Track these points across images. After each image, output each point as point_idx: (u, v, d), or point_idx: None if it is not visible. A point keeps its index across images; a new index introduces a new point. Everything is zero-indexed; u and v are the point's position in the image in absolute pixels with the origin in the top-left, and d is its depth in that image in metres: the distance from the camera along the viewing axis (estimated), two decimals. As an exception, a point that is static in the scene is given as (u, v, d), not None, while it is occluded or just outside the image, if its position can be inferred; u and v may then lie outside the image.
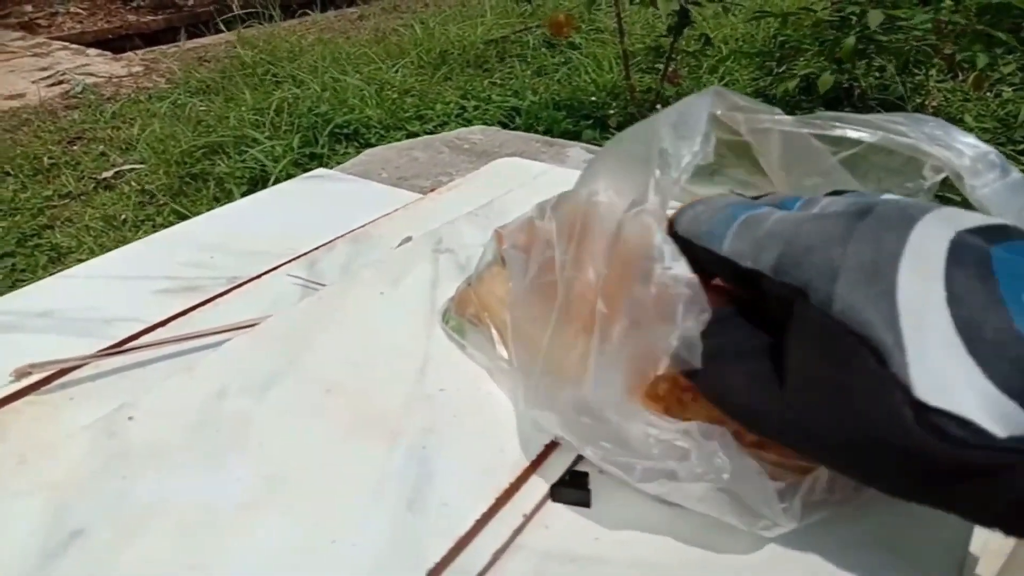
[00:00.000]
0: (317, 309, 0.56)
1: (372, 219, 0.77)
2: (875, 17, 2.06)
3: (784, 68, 2.47)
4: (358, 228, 0.73)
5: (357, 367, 0.51)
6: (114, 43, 3.56)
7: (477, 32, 3.09)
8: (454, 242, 0.63)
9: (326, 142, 2.74)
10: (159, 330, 0.61)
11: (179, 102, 2.99)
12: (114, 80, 3.14)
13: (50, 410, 0.53)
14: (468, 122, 2.71)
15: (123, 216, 2.55)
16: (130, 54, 3.37)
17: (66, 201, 2.75)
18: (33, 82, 3.08)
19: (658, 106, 2.41)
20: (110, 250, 2.55)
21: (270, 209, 0.82)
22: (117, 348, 0.57)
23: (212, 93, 2.98)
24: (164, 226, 2.40)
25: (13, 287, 2.10)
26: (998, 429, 0.23)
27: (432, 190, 0.83)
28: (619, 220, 0.34)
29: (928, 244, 0.26)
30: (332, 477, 0.43)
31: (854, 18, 2.24)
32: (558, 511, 0.43)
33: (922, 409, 0.25)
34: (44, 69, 3.20)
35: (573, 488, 0.44)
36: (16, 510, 0.42)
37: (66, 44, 3.42)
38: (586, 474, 0.45)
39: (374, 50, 3.00)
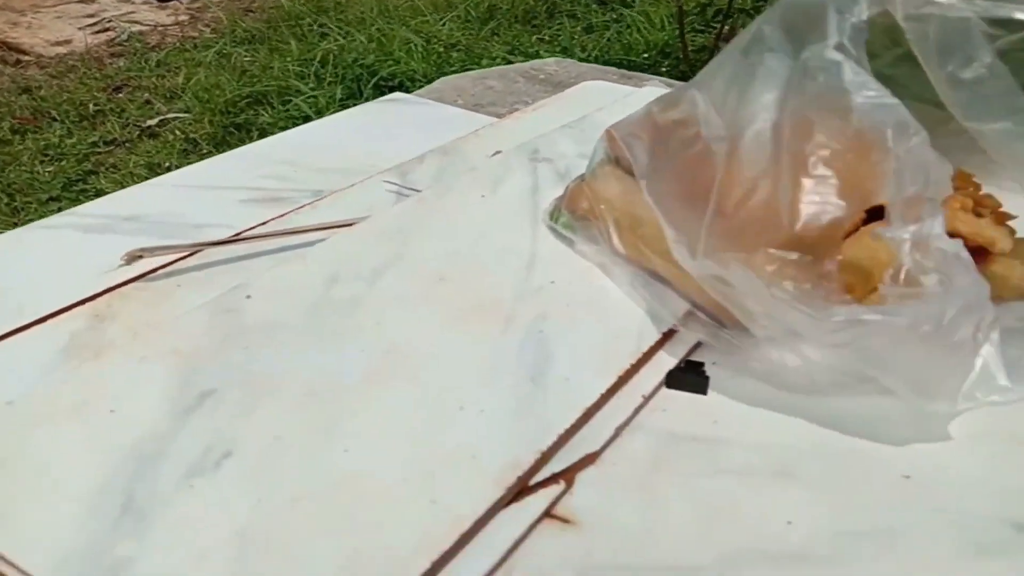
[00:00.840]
0: (419, 209, 0.56)
1: (452, 139, 0.77)
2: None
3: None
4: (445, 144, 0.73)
5: (465, 260, 0.51)
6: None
7: (529, -14, 3.06)
8: (551, 152, 0.63)
9: (370, 94, 2.73)
10: (258, 228, 0.61)
11: (224, 51, 2.99)
12: (159, 28, 3.15)
13: (158, 296, 0.54)
14: (513, 79, 2.68)
15: (167, 164, 2.57)
16: (176, 3, 3.37)
17: (111, 148, 2.77)
18: (79, 29, 3.10)
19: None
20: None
21: (347, 129, 0.82)
22: (222, 239, 0.57)
23: (257, 43, 2.98)
24: (208, 175, 2.41)
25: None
26: None
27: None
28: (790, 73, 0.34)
29: None
30: (451, 353, 0.44)
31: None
32: (675, 396, 0.43)
33: None
34: (90, 16, 3.21)
35: (689, 375, 0.44)
36: (143, 373, 0.43)
37: (112, -8, 3.43)
38: (702, 363, 0.45)
39: (422, 2, 2.98)
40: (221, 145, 2.71)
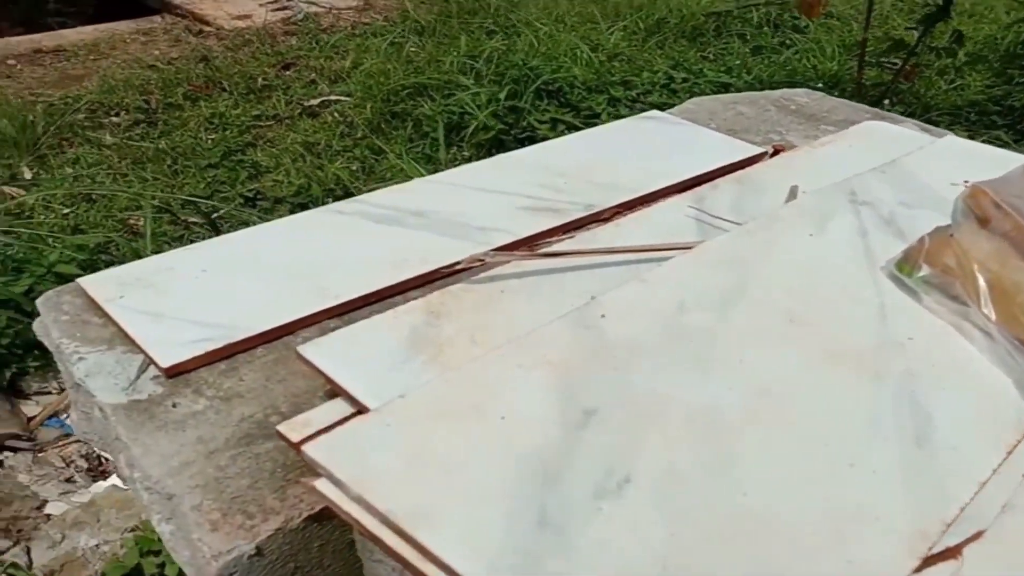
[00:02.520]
0: (748, 242, 0.56)
1: (718, 165, 0.76)
2: None
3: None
4: (715, 174, 0.72)
5: (811, 300, 0.51)
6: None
7: (699, 2, 3.02)
8: (869, 196, 0.62)
9: (529, 97, 2.75)
10: (567, 241, 0.62)
11: (395, 40, 3.08)
12: (334, 12, 3.27)
13: (486, 298, 0.56)
14: (673, 92, 2.66)
15: (322, 144, 2.66)
16: (352, -12, 3.50)
17: (272, 123, 2.89)
18: (260, 5, 3.25)
19: (885, 101, 2.28)
20: (306, 174, 2.63)
21: (610, 144, 0.83)
22: (550, 250, 0.59)
23: (427, 35, 3.05)
24: (359, 159, 2.48)
25: (211, 197, 2.22)
26: None
27: (775, 146, 0.81)
28: None
29: None
30: (822, 402, 0.43)
31: None
32: (1051, 476, 0.42)
33: None
34: (272, -7, 3.37)
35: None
36: (524, 381, 0.44)
37: (294, -28, 3.59)
38: (1080, 446, 0.43)
39: (592, 8, 2.99)
40: (377, 131, 2.79)
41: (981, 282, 0.47)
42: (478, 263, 0.56)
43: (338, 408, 0.48)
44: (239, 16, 3.17)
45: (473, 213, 0.71)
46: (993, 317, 0.46)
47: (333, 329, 0.54)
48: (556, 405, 0.42)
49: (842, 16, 2.80)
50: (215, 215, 2.15)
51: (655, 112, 0.90)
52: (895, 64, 2.29)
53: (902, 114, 2.30)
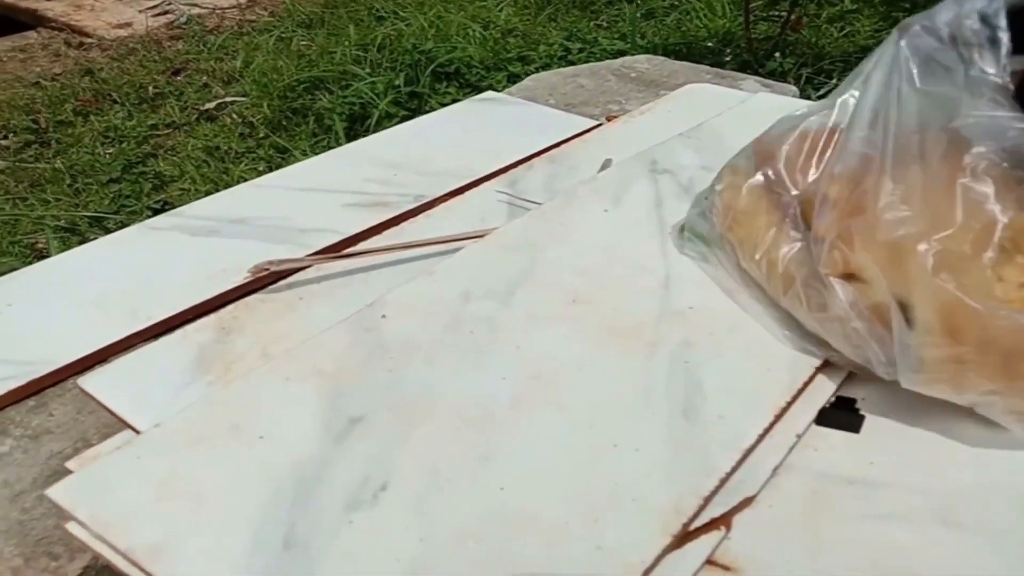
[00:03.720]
0: (542, 223, 0.55)
1: (551, 142, 0.75)
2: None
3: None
4: (546, 150, 0.71)
5: (597, 278, 0.50)
6: (219, -26, 3.60)
7: (589, -29, 3.02)
8: (670, 163, 0.61)
9: (427, 81, 2.72)
10: (375, 238, 0.61)
11: (283, 36, 3.01)
12: (218, 11, 3.17)
13: (282, 307, 0.54)
14: (571, 63, 2.65)
15: (225, 147, 2.59)
16: (234, -15, 3.39)
17: (169, 131, 2.80)
18: (140, 11, 3.12)
19: (776, 54, 2.31)
20: (212, 179, 2.57)
21: (443, 130, 0.82)
22: (348, 251, 0.57)
23: (316, 27, 2.98)
24: (265, 159, 2.42)
25: (118, 212, 2.15)
26: None
27: (608, 116, 0.81)
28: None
29: None
30: (596, 381, 0.43)
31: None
32: (826, 434, 0.42)
33: None
34: (150, -1, 3.24)
35: (843, 412, 0.43)
36: (291, 394, 0.43)
37: (170, -26, 3.46)
38: (854, 400, 0.44)
39: (479, -13, 2.96)
40: (278, 130, 2.73)
41: (738, 239, 0.47)
42: (263, 272, 0.54)
43: (124, 438, 0.46)
44: (119, 24, 3.04)
45: (297, 215, 0.69)
46: (753, 273, 0.46)
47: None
48: (321, 417, 0.41)
49: (727, -27, 2.82)
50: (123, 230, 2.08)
51: (490, 93, 0.89)
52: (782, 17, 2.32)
53: (794, 65, 2.34)
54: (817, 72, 2.29)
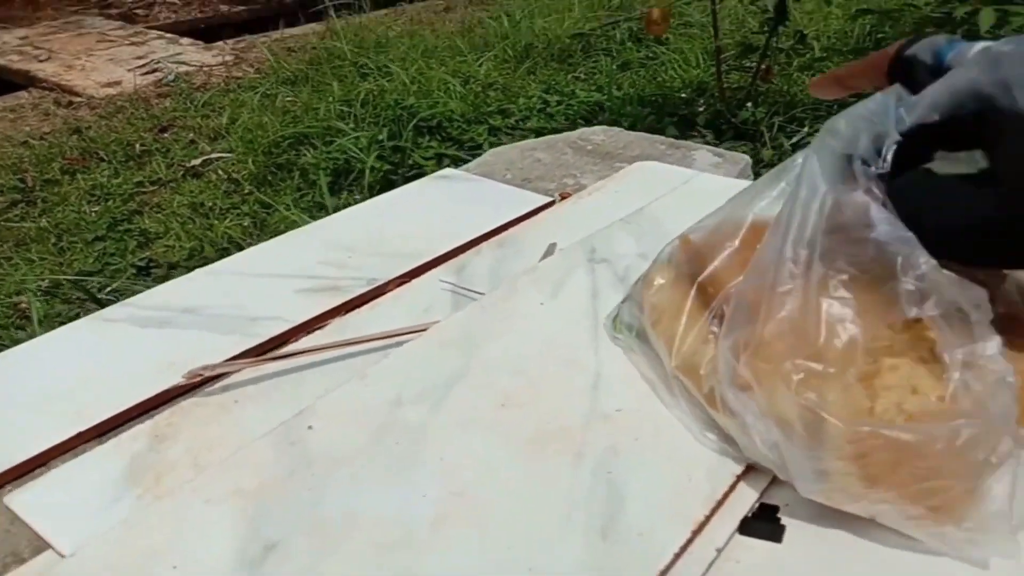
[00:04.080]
0: (480, 319, 0.55)
1: (505, 221, 0.76)
2: (987, 17, 1.95)
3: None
4: (497, 232, 0.72)
5: (529, 379, 0.50)
6: (207, 33, 3.65)
7: (563, 25, 3.06)
8: (608, 251, 0.62)
9: (410, 136, 2.76)
10: (316, 332, 0.61)
11: (268, 92, 3.05)
12: (205, 69, 3.21)
13: (217, 412, 0.54)
14: (551, 116, 2.69)
15: (210, 204, 2.61)
16: (221, 43, 3.44)
17: (155, 188, 2.82)
18: (129, 70, 3.17)
19: (748, 104, 2.34)
20: (196, 236, 2.57)
21: (400, 209, 0.82)
22: (280, 351, 0.57)
23: (300, 83, 3.03)
24: (249, 215, 2.45)
25: (102, 271, 2.17)
26: None
27: (562, 193, 0.82)
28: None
29: None
30: (520, 496, 0.43)
31: (962, 16, 2.14)
32: (749, 545, 0.42)
33: None
34: (140, 58, 3.29)
35: (764, 522, 0.42)
36: (208, 518, 0.42)
37: (161, 34, 3.52)
38: (776, 508, 0.43)
39: (460, 42, 3.01)
40: (263, 185, 2.75)
41: (663, 337, 0.47)
42: (197, 378, 0.54)
43: (48, 560, 0.45)
44: (108, 83, 3.09)
45: (248, 303, 0.69)
46: (677, 372, 0.46)
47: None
48: (237, 543, 0.41)
49: (701, 24, 2.88)
50: (108, 288, 2.09)
51: (448, 170, 0.89)
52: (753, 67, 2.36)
53: (766, 114, 2.37)
54: (789, 120, 2.32)
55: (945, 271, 0.37)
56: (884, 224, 0.37)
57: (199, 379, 0.54)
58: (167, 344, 0.64)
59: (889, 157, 0.38)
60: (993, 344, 0.37)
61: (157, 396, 0.57)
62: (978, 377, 0.37)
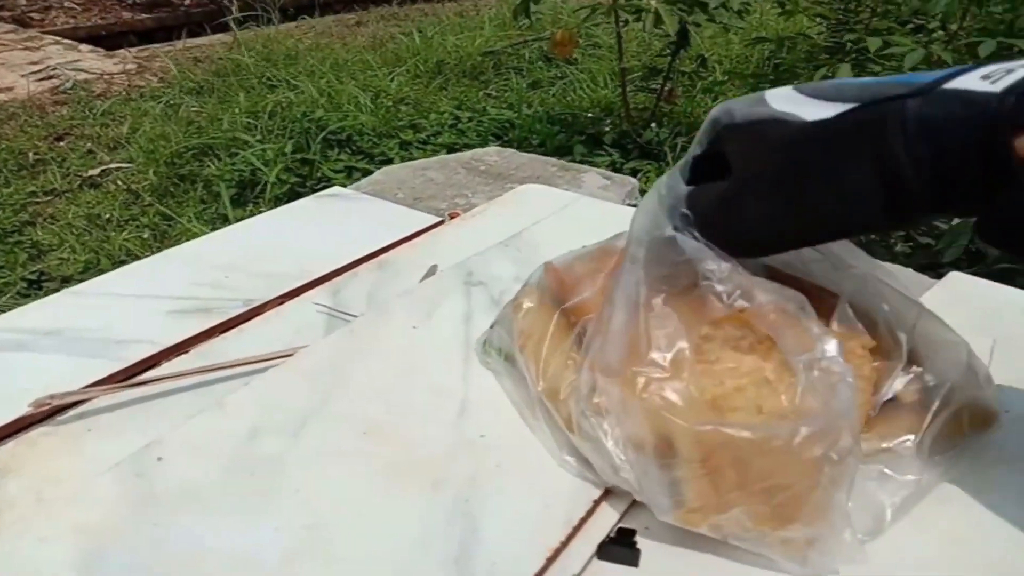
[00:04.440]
0: (348, 344, 0.54)
1: (391, 241, 0.75)
2: (874, 43, 2.07)
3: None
4: (380, 252, 0.71)
5: (394, 407, 0.49)
6: (108, 40, 3.51)
7: (475, 43, 3.08)
8: (485, 274, 0.62)
9: (318, 148, 2.72)
10: (180, 357, 0.59)
11: (172, 102, 2.95)
12: (106, 77, 3.09)
13: (67, 442, 0.51)
14: (462, 132, 2.69)
15: (107, 215, 2.51)
16: (124, 51, 3.31)
17: (50, 198, 2.70)
18: (23, 76, 3.02)
19: (652, 124, 2.40)
20: (92, 248, 2.46)
21: (285, 228, 0.80)
22: (138, 378, 0.55)
23: (206, 94, 2.94)
24: (149, 227, 2.36)
25: (-9, 284, 2.05)
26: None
27: (451, 213, 0.82)
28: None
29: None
30: (375, 529, 0.42)
31: (850, 44, 2.25)
32: (607, 570, 0.42)
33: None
34: (34, 63, 3.14)
35: (621, 547, 0.43)
36: (43, 556, 0.40)
37: (58, 39, 3.37)
38: (634, 531, 0.44)
39: (371, 57, 2.98)
40: (164, 196, 2.66)
41: (529, 360, 0.48)
42: (45, 407, 0.51)
43: None
44: (0, 89, 2.94)
45: (116, 325, 0.66)
46: (541, 396, 0.47)
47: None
48: (70, 584, 0.38)
49: (609, 46, 2.94)
50: (-8, 304, 1.98)
51: (336, 188, 0.88)
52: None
53: (669, 134, 2.43)
54: (691, 140, 2.39)
55: (743, 272, 0.41)
56: (688, 243, 0.41)
57: (47, 408, 0.51)
58: (23, 369, 0.61)
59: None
60: (832, 345, 0.39)
61: (2, 427, 0.53)
62: (822, 378, 0.38)
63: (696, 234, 0.42)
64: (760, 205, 0.40)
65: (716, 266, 0.41)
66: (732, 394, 0.39)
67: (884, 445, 0.43)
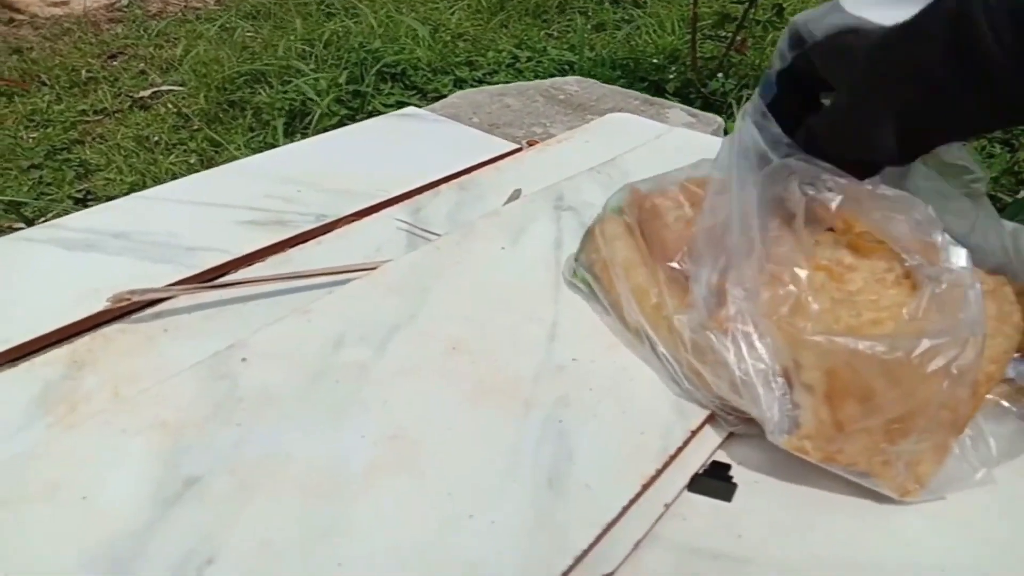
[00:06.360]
0: (435, 260, 0.52)
1: (467, 165, 0.72)
2: None
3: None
4: (461, 174, 0.68)
5: (482, 326, 0.47)
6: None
7: (542, -21, 2.99)
8: (576, 199, 0.59)
9: (372, 80, 2.67)
10: (257, 265, 0.57)
11: (227, 25, 2.92)
12: (161, -4, 3.07)
13: (143, 341, 0.50)
14: (519, 72, 2.63)
15: (156, 138, 2.51)
16: (179, -29, 3.28)
17: (100, 117, 2.70)
18: (79, -10, 3.01)
19: (719, 75, 2.32)
20: (139, 170, 2.48)
21: (358, 145, 0.78)
22: (219, 281, 0.53)
23: (262, 19, 2.91)
24: (196, 152, 2.36)
25: (38, 199, 2.07)
26: None
27: (529, 140, 0.78)
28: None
29: None
30: (462, 444, 0.40)
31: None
32: (697, 503, 0.40)
33: None
34: (90, -22, 3.12)
35: (715, 480, 0.41)
36: (124, 449, 0.39)
37: (114, -46, 3.34)
38: (728, 466, 0.41)
39: (432, -13, 2.92)
40: (214, 122, 2.65)
41: (622, 284, 0.45)
42: (123, 303, 0.50)
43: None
44: (55, 3, 2.93)
45: (185, 231, 0.65)
46: (643, 323, 0.44)
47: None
48: (155, 476, 0.37)
49: (679, -10, 2.83)
50: (42, 219, 2.00)
51: (412, 108, 0.85)
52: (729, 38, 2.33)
53: (735, 86, 2.35)
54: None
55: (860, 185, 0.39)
56: (799, 165, 0.40)
57: (125, 304, 0.50)
58: (93, 269, 0.59)
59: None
60: (962, 256, 0.37)
61: (79, 322, 0.52)
62: (949, 291, 0.37)
63: (807, 157, 0.41)
64: (866, 115, 0.40)
65: (833, 182, 0.39)
66: (867, 326, 0.36)
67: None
